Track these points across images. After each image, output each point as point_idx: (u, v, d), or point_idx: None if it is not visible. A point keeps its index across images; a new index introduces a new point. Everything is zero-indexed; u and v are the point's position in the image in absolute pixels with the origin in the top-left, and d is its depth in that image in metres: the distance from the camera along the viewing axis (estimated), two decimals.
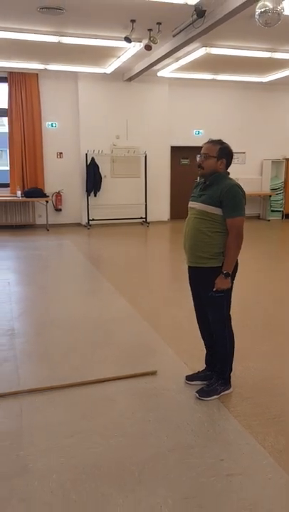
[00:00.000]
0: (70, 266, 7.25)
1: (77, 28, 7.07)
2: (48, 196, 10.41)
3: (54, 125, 10.58)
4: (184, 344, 3.85)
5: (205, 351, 3.24)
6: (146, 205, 11.00)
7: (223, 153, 2.85)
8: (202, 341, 3.23)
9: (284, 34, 7.15)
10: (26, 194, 10.15)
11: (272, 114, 11.87)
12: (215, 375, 3.09)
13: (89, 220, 10.62)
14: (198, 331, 3.22)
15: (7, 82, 10.05)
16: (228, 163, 2.90)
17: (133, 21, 6.69)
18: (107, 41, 7.57)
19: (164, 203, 11.45)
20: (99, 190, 10.65)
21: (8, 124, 10.33)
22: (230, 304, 3.00)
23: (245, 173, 11.73)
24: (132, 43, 7.28)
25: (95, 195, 10.67)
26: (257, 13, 5.10)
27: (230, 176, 2.90)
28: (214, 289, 2.86)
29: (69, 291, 5.69)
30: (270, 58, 8.56)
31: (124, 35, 6.99)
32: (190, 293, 3.16)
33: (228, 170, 2.91)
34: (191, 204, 2.96)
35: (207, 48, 7.98)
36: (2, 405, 2.94)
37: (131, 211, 10.99)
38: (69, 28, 7.11)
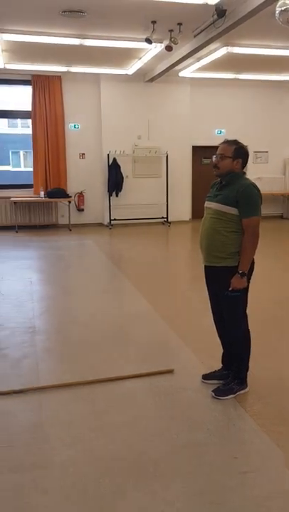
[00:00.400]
0: (92, 265, 7.34)
1: (98, 30, 7.16)
2: (70, 196, 10.55)
3: (77, 126, 10.72)
4: (202, 343, 3.87)
5: (222, 350, 3.26)
6: (167, 204, 11.03)
7: (239, 153, 2.87)
8: (219, 341, 3.26)
9: None
10: (49, 194, 10.31)
11: None
12: (231, 374, 3.11)
13: (111, 219, 10.72)
14: (216, 331, 3.25)
15: (31, 84, 10.23)
16: (244, 163, 2.92)
17: (154, 22, 6.74)
18: (128, 43, 7.64)
19: (186, 202, 11.46)
20: (120, 190, 10.73)
21: (32, 126, 10.52)
22: (246, 303, 3.02)
23: (269, 172, 11.65)
24: (153, 44, 7.32)
25: (117, 196, 10.76)
26: (277, 12, 5.07)
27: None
28: (230, 289, 2.88)
29: (90, 290, 5.77)
30: None
31: (145, 37, 7.05)
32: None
33: (244, 170, 2.93)
34: (207, 204, 2.99)
35: (228, 48, 7.96)
36: (22, 400, 3.03)
37: (152, 211, 11.03)
38: (91, 31, 7.20)
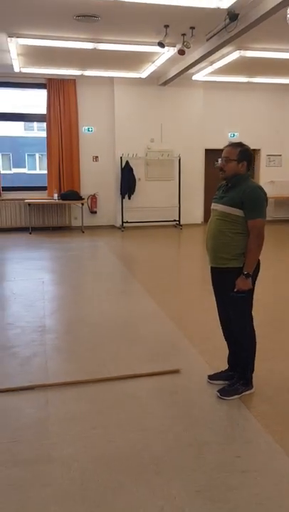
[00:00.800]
0: (103, 267, 7.40)
1: (112, 34, 7.24)
2: (83, 199, 10.65)
3: (90, 129, 10.82)
4: (208, 344, 3.89)
5: (228, 352, 3.27)
6: (179, 207, 11.06)
7: (244, 155, 2.90)
8: (225, 342, 3.27)
9: None
10: (63, 197, 10.43)
11: None
12: (237, 375, 3.12)
13: (123, 222, 10.78)
14: (222, 332, 3.26)
15: (46, 88, 10.37)
16: (249, 166, 2.94)
17: (166, 26, 6.79)
18: (141, 47, 7.70)
19: (198, 205, 11.47)
20: (133, 193, 10.79)
21: (47, 129, 10.65)
22: (251, 304, 3.04)
23: (282, 176, 11.59)
24: (166, 48, 7.38)
25: (129, 198, 10.82)
26: (288, 16, 5.09)
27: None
28: (235, 290, 2.90)
29: (100, 291, 5.83)
30: None
31: (157, 41, 7.10)
32: None
33: (249, 171, 2.95)
34: (214, 206, 3.02)
35: (241, 51, 7.98)
36: (30, 397, 3.08)
37: (164, 214, 11.07)
38: (104, 35, 7.28)
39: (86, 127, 10.78)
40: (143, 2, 5.71)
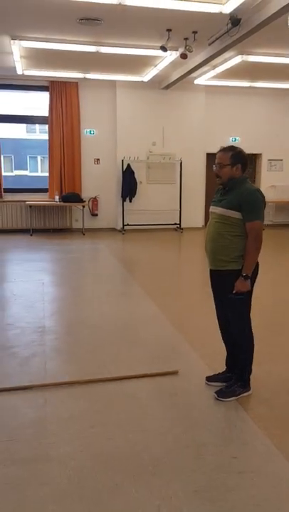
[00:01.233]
0: (103, 269, 7.42)
1: (114, 38, 7.28)
2: (84, 201, 10.68)
3: (92, 132, 10.86)
4: (207, 347, 3.90)
5: (226, 353, 3.29)
6: (180, 211, 11.09)
7: (237, 158, 2.91)
8: (224, 344, 3.29)
9: None
10: (64, 199, 10.45)
11: None
12: (234, 377, 3.13)
13: (124, 225, 10.81)
14: (220, 334, 3.28)
15: (48, 90, 10.42)
16: (244, 167, 2.95)
17: (169, 30, 6.83)
18: (143, 50, 7.75)
19: (199, 209, 11.49)
20: (134, 195, 10.83)
21: (49, 132, 10.70)
22: (250, 306, 3.05)
23: (283, 180, 11.62)
24: (168, 52, 7.43)
25: (130, 201, 10.85)
26: None
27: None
28: (234, 292, 2.91)
29: (100, 293, 5.84)
30: None
31: (160, 45, 7.15)
32: None
33: (245, 173, 2.97)
34: (212, 209, 3.04)
35: (243, 56, 8.02)
36: (28, 397, 3.10)
37: (165, 217, 11.10)
38: (107, 39, 7.33)
39: (88, 130, 10.82)
40: (146, 6, 5.76)
